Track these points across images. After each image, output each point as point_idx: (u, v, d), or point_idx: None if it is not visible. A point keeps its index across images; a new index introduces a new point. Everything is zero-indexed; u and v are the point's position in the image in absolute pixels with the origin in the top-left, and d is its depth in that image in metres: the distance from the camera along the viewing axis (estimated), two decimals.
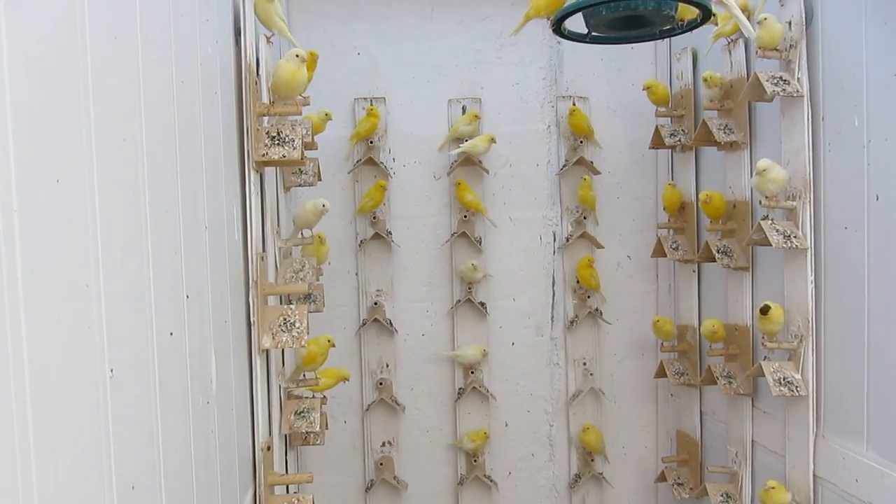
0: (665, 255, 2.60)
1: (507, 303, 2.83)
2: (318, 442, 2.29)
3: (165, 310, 1.04)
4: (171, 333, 1.07)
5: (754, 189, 2.02)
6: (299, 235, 2.11)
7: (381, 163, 2.68)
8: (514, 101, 2.80)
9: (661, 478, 2.70)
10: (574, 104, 2.75)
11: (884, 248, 1.73)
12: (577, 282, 2.80)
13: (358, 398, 2.77)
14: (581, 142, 2.74)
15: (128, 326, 0.89)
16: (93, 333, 0.78)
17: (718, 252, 2.25)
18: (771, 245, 1.95)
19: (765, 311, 1.95)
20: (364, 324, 2.72)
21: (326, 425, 2.39)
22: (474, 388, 2.74)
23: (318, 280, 2.20)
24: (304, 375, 2.06)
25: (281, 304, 1.87)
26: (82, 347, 0.76)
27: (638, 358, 2.90)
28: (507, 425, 2.86)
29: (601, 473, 2.85)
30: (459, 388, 2.78)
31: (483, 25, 2.76)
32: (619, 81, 2.82)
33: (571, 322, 2.80)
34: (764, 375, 1.98)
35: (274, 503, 1.67)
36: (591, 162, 2.74)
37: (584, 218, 2.77)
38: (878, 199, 1.74)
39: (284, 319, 1.65)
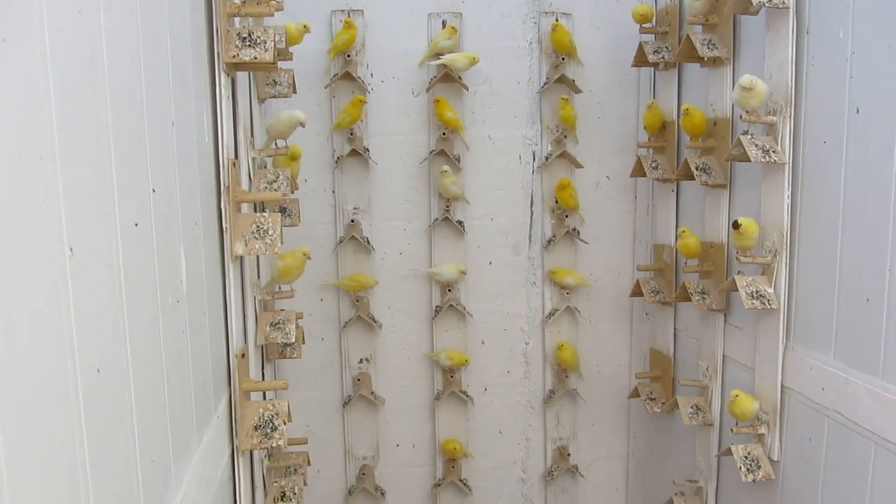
0: (644, 175, 2.59)
1: (485, 222, 2.82)
2: (294, 355, 2.31)
3: (129, 198, 1.02)
4: (137, 224, 1.05)
5: (735, 104, 2.00)
6: (273, 146, 2.07)
7: (359, 77, 2.62)
8: (495, 17, 2.73)
9: (634, 394, 2.75)
10: (556, 20, 2.69)
11: (861, 162, 1.73)
12: (556, 202, 2.79)
13: (335, 315, 2.78)
14: (563, 59, 2.69)
15: (88, 207, 0.87)
16: (49, 206, 0.76)
17: (697, 169, 2.25)
18: (750, 160, 1.94)
19: (736, 226, 1.96)
20: (341, 241, 2.70)
21: (303, 339, 2.40)
22: (451, 306, 2.75)
23: (292, 193, 2.17)
24: (279, 288, 2.05)
25: (255, 212, 1.85)
26: (37, 220, 0.73)
27: (614, 278, 2.92)
28: (483, 343, 2.89)
29: (575, 390, 2.90)
30: (437, 306, 2.79)
31: None
32: None
33: (549, 241, 2.80)
34: (737, 290, 2.00)
35: (249, 409, 1.68)
36: (573, 80, 2.70)
37: (565, 137, 2.75)
38: (858, 111, 1.72)
39: (258, 227, 1.63)
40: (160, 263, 1.17)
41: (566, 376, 2.88)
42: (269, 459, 2.14)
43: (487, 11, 2.71)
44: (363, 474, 2.82)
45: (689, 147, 2.31)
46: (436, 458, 2.90)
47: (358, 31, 2.58)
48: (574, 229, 2.80)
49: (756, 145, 1.94)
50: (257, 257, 2.08)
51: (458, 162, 2.71)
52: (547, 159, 2.76)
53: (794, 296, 1.98)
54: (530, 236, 2.86)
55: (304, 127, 2.00)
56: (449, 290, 2.77)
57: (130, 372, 1.00)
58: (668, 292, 2.60)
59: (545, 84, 2.72)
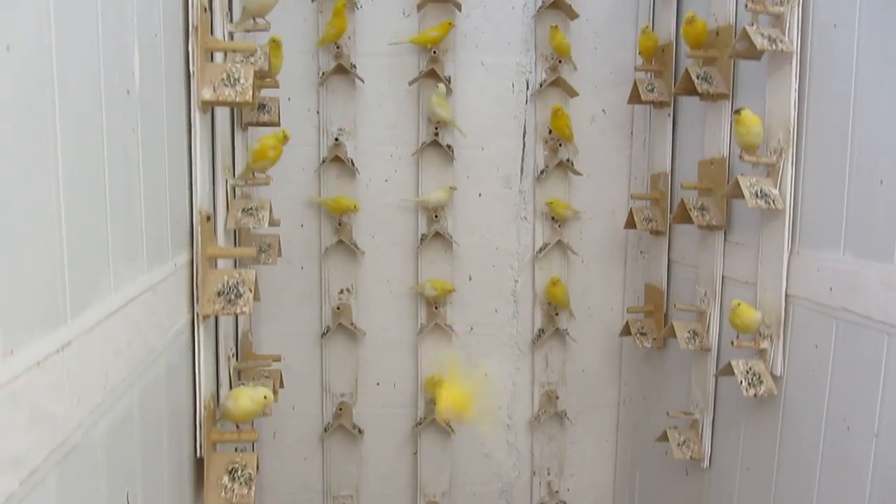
0: (641, 100, 2.49)
1: (475, 152, 2.71)
2: (270, 261, 2.17)
3: None
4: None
5: None
6: (251, 176, 1.94)
7: None
8: None
9: (625, 330, 2.62)
10: None
11: (874, 43, 1.62)
12: (550, 132, 2.68)
13: (316, 242, 2.65)
14: None
15: None
16: None
17: (698, 78, 2.14)
18: (756, 49, 1.84)
19: (737, 112, 1.85)
20: (324, 162, 2.58)
21: (280, 252, 2.27)
22: (437, 233, 2.62)
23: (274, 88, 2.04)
24: (253, 175, 1.92)
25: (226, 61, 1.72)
26: None
27: (608, 216, 2.80)
28: (470, 279, 2.76)
29: (566, 330, 2.77)
30: (422, 234, 2.66)
31: None
32: None
33: (542, 172, 2.69)
34: (741, 193, 1.88)
35: (213, 275, 1.55)
36: (569, 5, 2.60)
37: (560, 62, 2.64)
38: None
39: (228, 75, 1.51)
40: (105, 43, 1.04)
41: (556, 314, 2.75)
42: (237, 359, 2.00)
43: None
44: (340, 410, 2.67)
45: (690, 56, 2.21)
46: (418, 399, 2.76)
47: None
48: (568, 160, 2.68)
49: (762, 35, 1.83)
50: (231, 130, 1.96)
51: (450, 83, 2.60)
52: (541, 86, 2.65)
53: (801, 195, 1.87)
54: (522, 169, 2.74)
55: None
56: (436, 217, 2.64)
57: (60, 157, 0.86)
58: (662, 221, 2.48)
59: (540, 7, 2.62)
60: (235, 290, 1.54)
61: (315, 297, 2.68)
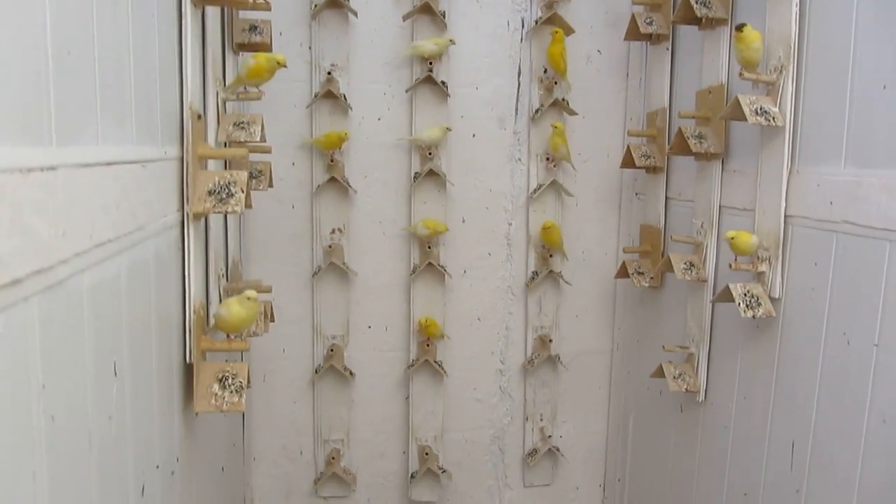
0: (639, 35, 2.46)
1: (469, 90, 2.67)
2: (260, 187, 2.13)
3: None
4: None
5: None
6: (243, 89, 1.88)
7: None
8: None
9: (621, 272, 2.60)
10: None
11: None
12: (545, 71, 2.65)
13: (307, 181, 2.60)
14: None
15: None
16: None
17: (696, 3, 2.11)
18: None
19: (740, 28, 1.83)
20: (316, 96, 2.53)
21: (271, 182, 2.22)
22: (431, 172, 2.59)
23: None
24: (245, 89, 1.87)
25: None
26: None
27: (603, 159, 2.78)
28: (463, 221, 2.73)
29: (559, 273, 2.74)
30: (415, 173, 2.62)
31: None
32: None
33: (536, 111, 2.66)
34: (741, 113, 1.85)
35: (204, 176, 1.51)
36: None
37: (556, 1, 2.61)
38: None
39: None
40: None
41: (550, 256, 2.72)
42: (227, 279, 1.96)
43: None
44: (331, 352, 2.64)
45: None
46: (410, 343, 2.72)
47: None
48: (563, 99, 2.65)
49: None
50: (223, 48, 1.91)
51: (444, 17, 2.56)
52: (536, 23, 2.62)
53: (801, 112, 1.84)
54: (517, 109, 2.71)
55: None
56: (430, 155, 2.60)
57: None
58: (661, 157, 2.46)
59: None
60: (227, 190, 1.50)
61: (306, 236, 2.63)
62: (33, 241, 0.79)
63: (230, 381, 1.58)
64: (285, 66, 1.88)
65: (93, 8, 1.00)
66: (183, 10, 1.45)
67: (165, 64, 1.39)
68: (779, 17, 1.87)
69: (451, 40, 2.52)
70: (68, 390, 0.91)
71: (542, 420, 2.87)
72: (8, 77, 0.75)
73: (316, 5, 2.50)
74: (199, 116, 1.54)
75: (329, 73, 2.54)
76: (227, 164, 1.92)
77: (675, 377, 2.26)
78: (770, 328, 1.95)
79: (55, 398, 0.87)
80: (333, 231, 2.63)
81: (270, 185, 2.22)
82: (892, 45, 1.54)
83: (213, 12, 1.71)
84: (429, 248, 2.64)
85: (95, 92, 1.01)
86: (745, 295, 1.91)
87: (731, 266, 1.96)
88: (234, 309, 1.57)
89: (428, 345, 2.67)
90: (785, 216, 1.88)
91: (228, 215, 2.02)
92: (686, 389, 2.24)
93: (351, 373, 2.68)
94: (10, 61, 0.76)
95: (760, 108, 1.85)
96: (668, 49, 2.45)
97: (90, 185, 0.96)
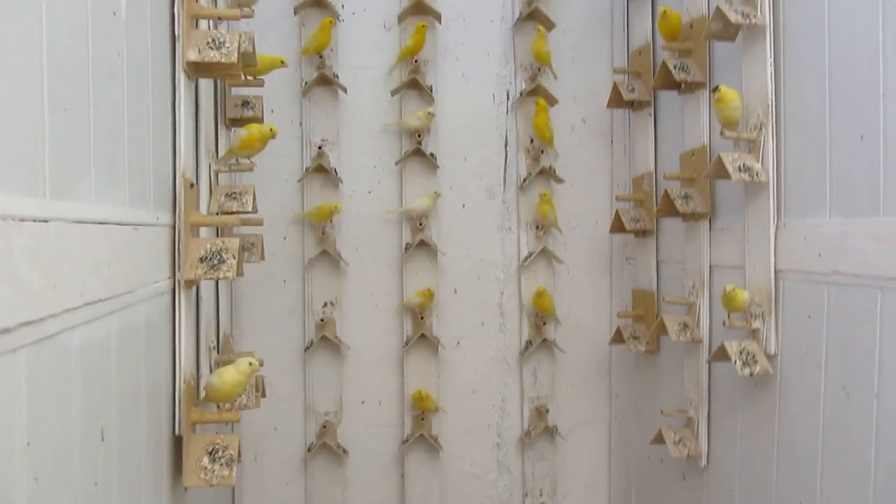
0: (621, 103, 2.53)
1: (458, 162, 2.72)
2: (252, 259, 2.13)
3: None
4: None
5: None
6: (235, 160, 1.95)
7: (330, 3, 2.56)
8: None
9: (616, 338, 2.58)
10: None
11: (843, 8, 1.67)
12: (531, 141, 2.71)
13: (299, 255, 2.61)
14: None
15: None
16: None
17: (675, 68, 2.18)
18: (731, 26, 1.89)
19: (715, 90, 1.88)
20: (307, 171, 2.57)
21: (262, 255, 2.22)
22: (422, 243, 2.60)
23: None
24: (237, 160, 1.90)
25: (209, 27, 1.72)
26: None
27: (592, 225, 2.80)
28: (455, 292, 2.73)
29: (553, 341, 2.72)
30: (406, 244, 2.64)
31: None
32: None
33: (524, 180, 2.70)
34: (724, 171, 1.89)
35: (196, 244, 1.51)
36: (546, 16, 2.66)
37: (539, 70, 2.69)
38: None
39: (213, 39, 1.51)
40: None
41: (543, 323, 2.71)
42: (217, 352, 1.93)
43: None
44: (324, 429, 2.58)
45: (666, 48, 2.26)
46: (404, 417, 2.67)
47: None
48: (550, 167, 2.70)
49: (735, 11, 1.88)
50: (216, 122, 1.94)
51: (431, 91, 2.63)
52: (521, 95, 2.69)
53: (784, 167, 1.88)
54: (505, 179, 2.75)
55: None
56: (420, 226, 2.62)
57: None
58: (649, 220, 2.49)
59: (518, 17, 2.68)
60: (219, 256, 1.49)
61: (298, 310, 2.62)
62: (24, 292, 0.78)
63: (220, 453, 1.54)
64: (277, 134, 1.91)
65: (89, 70, 1.03)
66: (177, 80, 1.48)
67: (159, 131, 1.41)
68: (754, 77, 1.93)
69: (430, 112, 2.56)
70: (54, 451, 0.88)
71: (542, 495, 2.80)
72: (5, 127, 0.76)
73: (306, 82, 2.56)
74: (192, 185, 1.55)
75: (320, 148, 2.58)
76: (219, 234, 1.93)
77: (675, 442, 2.21)
78: (768, 385, 1.92)
79: (40, 458, 0.84)
80: (325, 304, 2.62)
81: (262, 258, 2.22)
82: (866, 96, 1.59)
83: (206, 86, 1.75)
84: (421, 318, 2.62)
85: (90, 150, 1.02)
86: (741, 353, 1.90)
87: (724, 324, 1.95)
88: (228, 375, 1.54)
89: (422, 419, 2.62)
90: (775, 271, 1.89)
91: (220, 287, 2.01)
92: (688, 455, 2.19)
93: (344, 450, 2.61)
94: (8, 112, 0.77)
95: (743, 165, 1.88)
96: (650, 115, 2.52)
97: (82, 240, 0.96)
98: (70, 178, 0.95)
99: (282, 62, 2.07)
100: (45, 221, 0.84)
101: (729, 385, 2.09)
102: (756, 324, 1.93)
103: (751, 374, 1.87)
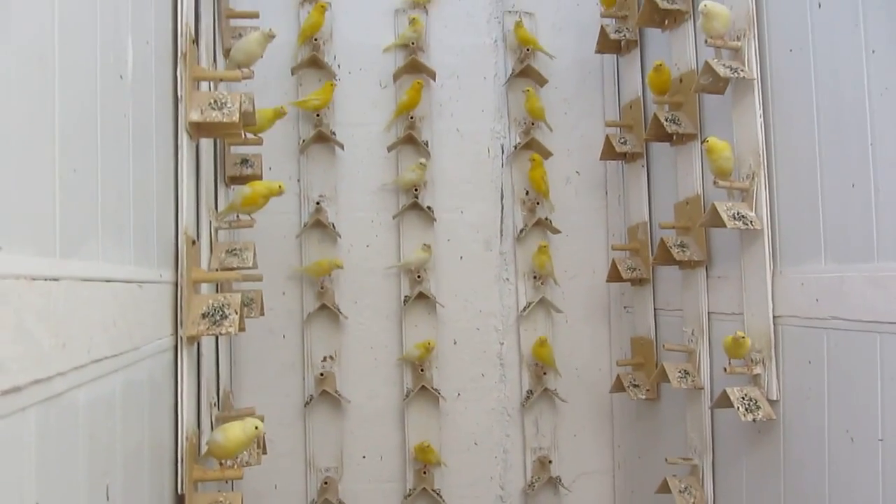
0: (615, 155, 2.57)
1: (454, 215, 2.75)
2: (252, 315, 2.13)
3: None
4: None
5: (701, 30, 2.01)
6: (235, 217, 2.00)
7: (327, 64, 2.62)
8: (460, 15, 2.80)
9: (617, 387, 2.57)
10: (520, 18, 2.76)
11: (828, 61, 1.72)
12: (527, 193, 2.75)
13: (298, 310, 2.61)
14: (528, 50, 2.73)
15: None
16: None
17: (667, 121, 2.23)
18: (720, 79, 1.94)
19: (704, 142, 1.93)
20: (305, 226, 2.59)
21: (262, 311, 2.23)
22: (421, 295, 2.61)
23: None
24: (237, 217, 1.92)
25: (210, 89, 1.76)
26: None
27: (589, 275, 2.82)
28: (455, 343, 2.73)
29: (554, 390, 2.71)
30: (405, 297, 2.65)
31: None
32: (565, 0, 2.85)
33: (521, 231, 2.73)
34: (719, 219, 1.92)
35: (197, 300, 1.52)
36: (539, 72, 2.73)
37: (532, 125, 2.74)
38: (820, 6, 1.74)
39: (215, 100, 1.55)
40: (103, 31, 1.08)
41: (544, 373, 2.70)
42: (219, 408, 1.92)
43: (453, 10, 2.78)
44: (325, 485, 2.55)
45: (656, 102, 2.31)
46: (406, 472, 2.64)
47: (326, 20, 2.60)
48: (546, 219, 2.73)
49: (724, 65, 1.94)
50: (215, 180, 1.97)
51: (427, 147, 2.67)
52: (515, 149, 2.74)
53: (777, 214, 1.91)
54: (501, 231, 2.78)
55: (274, 37, 1.91)
56: (419, 279, 2.64)
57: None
58: (646, 269, 2.51)
59: (511, 74, 2.74)
60: (221, 312, 1.50)
61: (298, 365, 2.62)
62: (34, 350, 0.79)
63: None
64: (284, 191, 1.95)
65: (97, 132, 1.05)
66: (180, 141, 1.52)
67: (162, 190, 1.44)
68: (745, 128, 1.97)
69: (422, 163, 2.60)
70: None
71: None
72: (19, 189, 0.78)
73: (304, 140, 2.61)
74: (194, 242, 1.57)
75: (318, 204, 2.61)
76: (220, 289, 1.94)
77: (680, 491, 2.19)
78: (772, 431, 1.92)
79: None
80: (325, 359, 2.62)
81: (262, 313, 2.23)
82: (854, 145, 1.63)
83: (206, 145, 1.79)
84: (421, 371, 2.62)
85: (97, 210, 1.04)
86: (744, 399, 1.90)
87: (725, 370, 1.95)
88: (232, 433, 1.53)
89: (424, 472, 2.59)
90: (773, 317, 1.91)
91: (220, 343, 2.02)
92: None
93: None
94: (22, 175, 0.79)
95: (738, 213, 1.91)
96: (643, 166, 2.56)
97: (90, 299, 0.97)
98: (79, 237, 0.97)
99: (282, 109, 2.12)
100: (56, 280, 0.85)
101: (732, 431, 2.09)
102: (757, 369, 1.94)
103: (754, 420, 1.87)
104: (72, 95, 0.95)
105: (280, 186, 1.92)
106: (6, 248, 0.73)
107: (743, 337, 1.90)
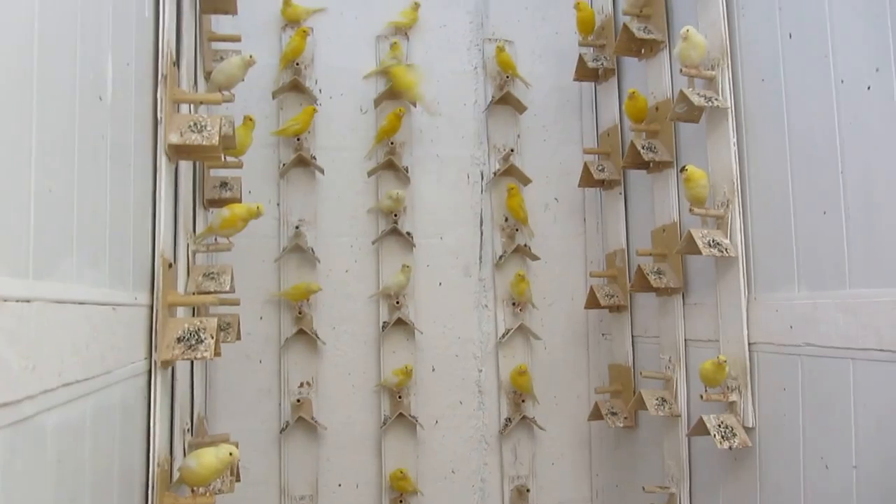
0: (592, 183, 2.60)
1: (434, 241, 2.75)
2: (229, 339, 2.11)
3: None
4: None
5: (677, 59, 2.04)
6: (213, 240, 2.00)
7: (308, 88, 2.63)
8: (441, 42, 2.83)
9: (595, 415, 2.57)
10: (501, 45, 2.79)
11: (800, 90, 1.76)
12: (506, 219, 2.76)
13: (275, 335, 2.59)
14: (508, 77, 2.76)
15: None
16: None
17: (643, 148, 2.26)
18: (695, 108, 1.97)
19: (682, 170, 1.95)
20: (285, 250, 2.58)
21: (239, 335, 2.21)
22: (399, 321, 2.60)
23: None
24: (216, 240, 1.91)
25: (191, 112, 1.76)
26: None
27: (567, 302, 2.83)
28: (433, 370, 2.72)
29: (533, 418, 2.70)
30: (384, 322, 2.64)
31: None
32: (544, 29, 2.89)
33: (500, 257, 2.73)
34: (695, 246, 1.94)
35: (173, 324, 1.50)
36: (518, 99, 2.76)
37: (512, 151, 2.77)
38: (791, 37, 1.78)
39: (195, 122, 1.55)
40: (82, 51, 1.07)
41: (522, 401, 2.69)
42: (191, 434, 1.89)
43: (433, 37, 2.81)
44: None
45: (633, 130, 2.34)
46: (382, 500, 2.61)
47: (307, 41, 2.61)
48: (525, 245, 2.74)
49: (698, 94, 1.97)
50: (193, 203, 1.96)
51: (407, 172, 2.68)
52: (494, 175, 2.75)
53: (752, 242, 1.94)
54: (481, 257, 2.78)
55: (254, 64, 1.92)
56: (397, 304, 2.63)
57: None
58: (623, 296, 2.52)
59: (490, 101, 2.77)
60: (196, 336, 1.49)
61: (274, 391, 2.59)
62: (3, 373, 0.78)
63: None
64: (263, 213, 1.94)
65: (75, 152, 1.05)
66: (158, 163, 1.51)
67: (139, 212, 1.43)
68: (719, 156, 2.00)
69: (397, 194, 2.60)
70: None
71: None
72: None
73: (284, 164, 2.60)
74: (170, 265, 1.56)
75: (297, 228, 2.60)
76: (196, 313, 1.92)
77: None
78: (748, 459, 1.93)
79: None
80: (302, 385, 2.59)
81: (238, 338, 2.20)
82: (826, 173, 1.66)
83: (185, 168, 1.78)
84: (399, 398, 2.60)
85: (73, 231, 1.03)
86: (720, 426, 1.91)
87: (702, 398, 1.96)
88: (206, 459, 1.51)
89: (401, 501, 2.56)
90: (748, 343, 1.93)
91: (195, 367, 1.99)
92: None
93: None
94: None
95: (713, 241, 1.94)
96: (620, 193, 2.59)
97: (62, 321, 0.96)
98: (53, 258, 0.95)
99: (251, 118, 2.18)
100: (28, 302, 0.84)
101: (709, 459, 2.09)
102: (733, 396, 1.95)
103: (730, 448, 1.87)
104: (50, 114, 0.94)
105: (259, 208, 1.91)
106: None
107: (724, 360, 1.91)
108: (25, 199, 0.86)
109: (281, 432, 2.54)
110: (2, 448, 0.79)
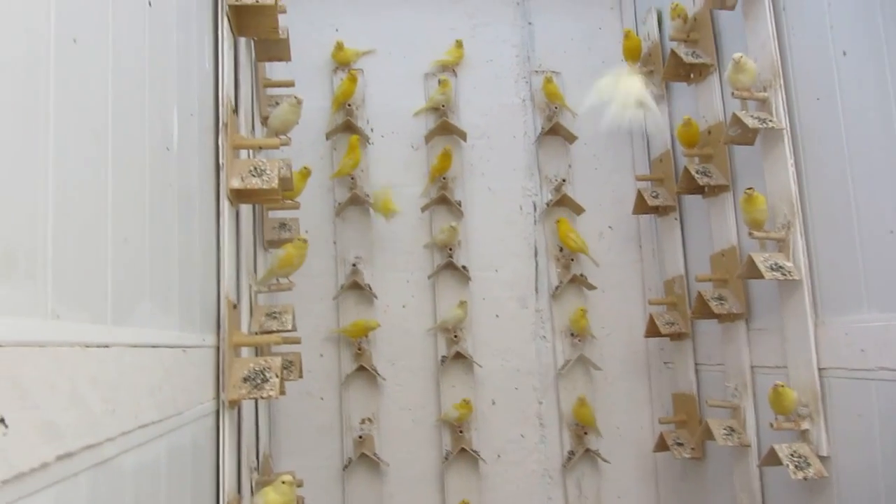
0: (647, 209, 2.58)
1: (489, 274, 2.76)
2: (291, 378, 2.14)
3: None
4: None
5: (728, 83, 2.03)
6: (275, 281, 2.05)
7: (360, 128, 2.69)
8: (488, 77, 2.87)
9: (660, 446, 2.52)
10: (548, 76, 2.81)
11: (855, 108, 1.73)
12: (560, 249, 2.75)
13: (335, 372, 2.62)
14: (556, 108, 2.78)
15: None
16: None
17: (697, 173, 2.24)
18: (749, 131, 1.95)
19: (749, 190, 1.92)
20: (342, 288, 2.62)
21: (301, 373, 2.24)
22: (458, 355, 2.61)
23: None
24: (277, 281, 1.95)
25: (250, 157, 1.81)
26: None
27: (626, 331, 2.79)
28: (494, 403, 2.70)
29: (596, 450, 2.66)
30: (442, 357, 2.64)
31: (457, 6, 2.87)
32: (590, 59, 2.90)
33: (556, 288, 2.72)
34: (756, 270, 1.90)
35: (238, 364, 1.54)
36: (568, 129, 2.77)
37: (563, 181, 2.77)
38: (845, 54, 1.76)
39: (255, 167, 1.60)
40: (150, 110, 1.13)
41: (585, 433, 2.65)
42: (258, 472, 1.92)
43: (480, 72, 2.86)
44: None
45: (686, 155, 2.33)
46: None
47: (358, 83, 2.68)
48: (581, 275, 2.72)
49: (752, 117, 1.95)
50: (254, 244, 2.01)
51: (460, 206, 2.71)
52: (547, 206, 2.76)
53: (815, 264, 1.89)
54: (536, 288, 2.78)
55: (301, 102, 1.98)
56: (455, 338, 2.64)
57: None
58: (684, 323, 2.48)
59: (540, 132, 2.78)
60: (262, 376, 1.52)
61: (336, 428, 2.61)
62: (87, 416, 0.81)
63: None
64: (306, 241, 1.97)
65: (146, 202, 1.09)
66: (221, 207, 1.56)
67: (204, 256, 1.47)
68: (777, 177, 1.97)
69: (452, 226, 2.63)
70: None
71: None
72: (77, 259, 0.81)
73: (339, 203, 2.66)
74: (234, 306, 1.60)
75: (354, 265, 2.64)
76: (259, 352, 1.96)
77: None
78: (825, 489, 1.86)
79: None
80: (363, 421, 2.60)
81: (300, 376, 2.23)
82: (889, 192, 1.62)
83: (245, 211, 1.83)
84: (460, 432, 2.59)
85: (146, 277, 1.07)
86: (793, 455, 1.85)
87: (772, 426, 1.90)
88: (270, 497, 1.53)
89: None
90: (818, 369, 1.87)
91: (259, 406, 2.02)
92: None
93: None
94: (80, 247, 0.82)
95: (775, 264, 1.90)
96: (676, 218, 2.56)
97: (138, 365, 0.99)
98: (129, 304, 0.99)
99: (306, 169, 2.25)
100: (107, 347, 0.87)
101: (783, 490, 2.02)
102: (805, 424, 1.89)
103: (805, 479, 1.81)
104: (124, 168, 0.99)
105: (304, 240, 1.95)
106: (63, 316, 0.75)
107: (782, 386, 1.85)
108: (104, 250, 0.90)
109: (344, 469, 2.56)
110: (85, 489, 0.81)
